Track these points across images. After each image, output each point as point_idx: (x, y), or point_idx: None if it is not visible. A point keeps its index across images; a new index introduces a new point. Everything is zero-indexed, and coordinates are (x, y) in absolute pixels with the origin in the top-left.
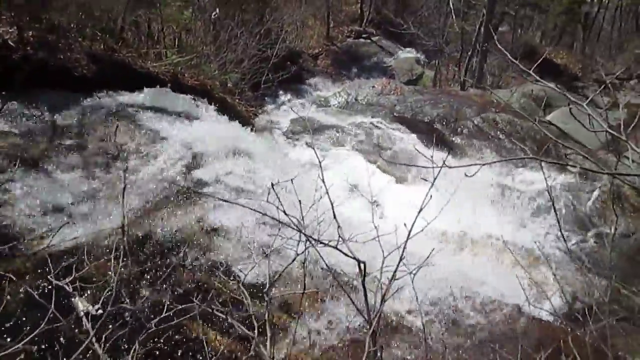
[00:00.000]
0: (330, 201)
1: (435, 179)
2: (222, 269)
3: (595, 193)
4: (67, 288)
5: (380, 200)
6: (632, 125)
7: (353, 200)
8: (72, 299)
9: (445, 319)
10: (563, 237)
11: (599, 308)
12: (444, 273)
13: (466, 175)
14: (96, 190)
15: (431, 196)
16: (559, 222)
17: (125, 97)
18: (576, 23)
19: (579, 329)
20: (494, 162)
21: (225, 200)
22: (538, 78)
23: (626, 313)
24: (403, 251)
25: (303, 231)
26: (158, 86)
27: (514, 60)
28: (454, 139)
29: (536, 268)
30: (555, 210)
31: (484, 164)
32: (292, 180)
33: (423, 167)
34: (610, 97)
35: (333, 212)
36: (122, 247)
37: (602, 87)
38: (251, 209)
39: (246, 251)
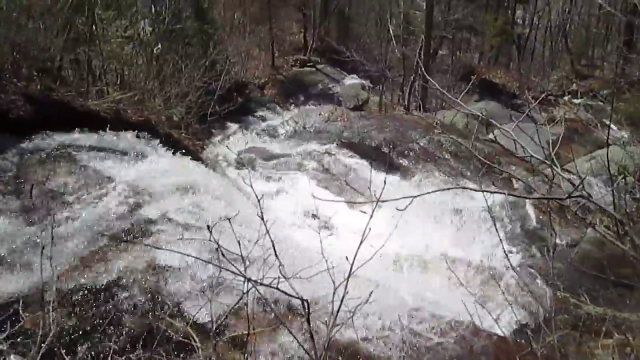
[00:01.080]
0: (271, 239)
1: (372, 214)
2: (169, 310)
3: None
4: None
5: (331, 226)
6: (556, 147)
7: (303, 228)
8: (7, 357)
9: (401, 344)
10: (506, 254)
11: (548, 321)
12: (398, 296)
13: (397, 209)
14: (33, 237)
15: (370, 229)
16: (500, 240)
17: (65, 138)
18: (510, 44)
19: (533, 343)
20: (428, 193)
21: (164, 249)
22: (464, 106)
23: (575, 322)
24: (346, 287)
25: (244, 273)
26: (99, 124)
27: (443, 90)
28: (401, 161)
29: (488, 285)
30: (496, 229)
31: (416, 196)
32: (229, 220)
33: (359, 202)
34: (547, 112)
35: (274, 249)
36: (53, 300)
37: (536, 102)
38: (191, 256)
39: (194, 290)
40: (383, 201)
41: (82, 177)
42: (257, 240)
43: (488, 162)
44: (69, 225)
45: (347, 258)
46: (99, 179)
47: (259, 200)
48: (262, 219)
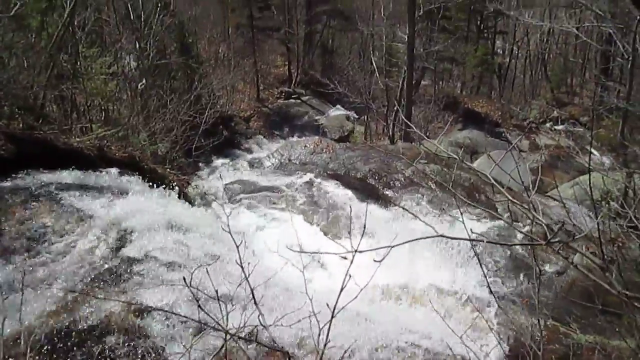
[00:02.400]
0: (250, 287)
1: (350, 264)
2: (151, 356)
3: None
4: None
5: (316, 259)
6: (536, 185)
7: (288, 263)
8: None
9: None
10: (489, 286)
11: (537, 352)
12: (387, 329)
13: (375, 261)
14: (10, 281)
15: (350, 276)
16: (484, 272)
17: (48, 176)
18: (491, 73)
19: None
20: (404, 243)
21: (145, 305)
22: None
23: (565, 351)
24: (328, 333)
25: (224, 323)
26: (83, 162)
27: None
28: (387, 192)
29: (475, 316)
30: (479, 260)
31: (393, 246)
32: (206, 269)
33: (337, 254)
34: (530, 140)
35: (254, 298)
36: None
37: (524, 133)
38: (170, 312)
39: (175, 335)
40: (361, 251)
41: (64, 216)
42: (239, 284)
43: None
44: (49, 267)
45: (327, 305)
46: (80, 218)
47: (237, 246)
48: (241, 265)
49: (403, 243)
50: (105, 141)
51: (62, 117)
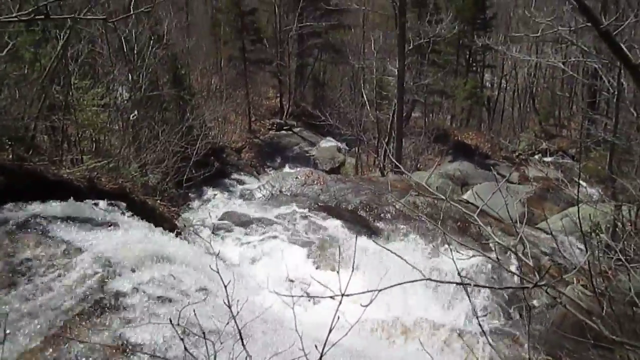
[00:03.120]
0: (238, 327)
1: (338, 307)
2: None
3: (514, 267)
4: None
5: (310, 291)
6: (523, 224)
7: (279, 296)
8: None
9: None
10: (478, 320)
11: None
12: None
13: (362, 306)
14: None
15: (339, 317)
16: (473, 307)
17: (36, 208)
18: (480, 106)
19: None
20: (391, 286)
21: (131, 346)
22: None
23: None
24: None
25: None
26: (73, 193)
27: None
28: (378, 224)
29: (467, 350)
30: (468, 296)
31: (380, 290)
32: (194, 310)
33: (324, 297)
34: (519, 171)
35: (241, 339)
36: None
37: (513, 165)
38: (156, 357)
39: None
40: (348, 295)
41: (52, 248)
42: (227, 323)
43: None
44: (35, 300)
45: (316, 346)
46: (68, 251)
47: (225, 286)
48: (229, 306)
49: (390, 287)
50: (96, 172)
51: (53, 148)
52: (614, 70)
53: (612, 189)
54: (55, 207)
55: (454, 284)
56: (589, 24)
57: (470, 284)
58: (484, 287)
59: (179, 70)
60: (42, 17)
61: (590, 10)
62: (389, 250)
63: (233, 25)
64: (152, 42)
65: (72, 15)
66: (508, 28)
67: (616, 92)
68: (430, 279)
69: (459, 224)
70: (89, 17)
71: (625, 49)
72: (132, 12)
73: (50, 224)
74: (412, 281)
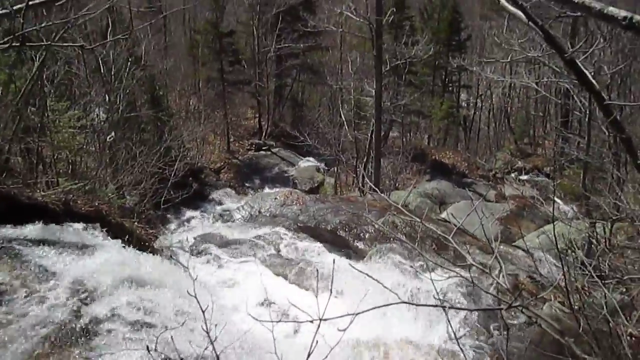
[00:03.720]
0: (216, 354)
1: (317, 331)
2: None
3: (491, 287)
4: None
5: (290, 314)
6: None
7: (258, 319)
8: None
9: None
10: (457, 340)
11: None
12: None
13: (339, 330)
14: None
15: (317, 341)
16: (450, 327)
17: (10, 232)
18: (457, 125)
19: None
20: (367, 310)
21: None
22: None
23: None
24: None
25: None
26: (48, 217)
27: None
28: (357, 244)
29: None
30: (448, 320)
31: (358, 313)
32: (171, 336)
33: (303, 322)
34: (496, 190)
35: None
36: None
37: (490, 184)
38: None
39: None
40: (326, 319)
41: (26, 273)
42: (205, 348)
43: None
44: (8, 328)
45: None
46: (43, 276)
47: (203, 312)
48: (207, 332)
49: (367, 310)
50: (72, 195)
51: (28, 171)
52: (585, 90)
53: (586, 206)
54: (29, 230)
55: (431, 306)
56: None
57: (446, 307)
58: (460, 309)
59: (157, 91)
60: (18, 45)
61: (555, 40)
62: (366, 274)
63: (211, 46)
64: (129, 63)
65: (49, 42)
66: (482, 49)
67: (587, 112)
68: (405, 302)
69: (437, 242)
70: (65, 44)
71: (589, 75)
72: (109, 39)
73: (24, 248)
74: (389, 304)
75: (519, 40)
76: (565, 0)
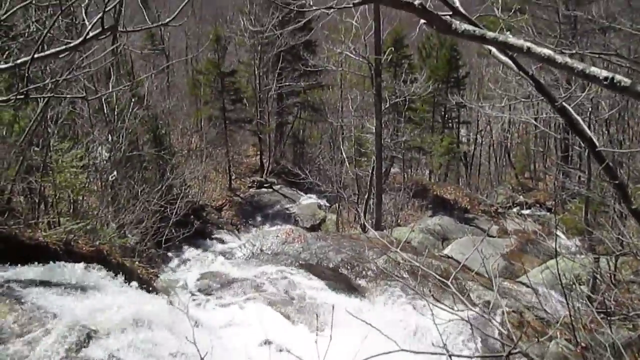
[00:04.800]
0: None
1: None
2: None
3: (497, 322)
4: None
5: (295, 354)
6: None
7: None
8: None
9: None
10: None
11: None
12: None
13: None
14: None
15: None
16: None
17: (10, 273)
18: (458, 161)
19: None
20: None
21: None
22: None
23: None
24: None
25: None
26: (49, 257)
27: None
28: (359, 282)
29: None
30: (447, 351)
31: None
32: None
33: None
34: (499, 225)
35: None
36: None
37: (492, 219)
38: None
39: None
40: None
41: (25, 315)
42: None
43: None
44: None
45: None
46: (42, 317)
47: (202, 359)
48: None
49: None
50: (73, 235)
51: (29, 210)
52: (584, 120)
53: (589, 240)
54: (30, 271)
55: (430, 354)
56: (557, 82)
57: (445, 354)
58: (461, 356)
59: (159, 130)
60: (22, 97)
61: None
62: (362, 320)
63: (213, 86)
64: (132, 103)
65: (51, 91)
66: (481, 85)
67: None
68: (405, 350)
69: (440, 280)
70: (68, 95)
71: (581, 122)
72: (111, 90)
73: (24, 289)
74: (388, 352)
75: (516, 77)
76: (549, 60)
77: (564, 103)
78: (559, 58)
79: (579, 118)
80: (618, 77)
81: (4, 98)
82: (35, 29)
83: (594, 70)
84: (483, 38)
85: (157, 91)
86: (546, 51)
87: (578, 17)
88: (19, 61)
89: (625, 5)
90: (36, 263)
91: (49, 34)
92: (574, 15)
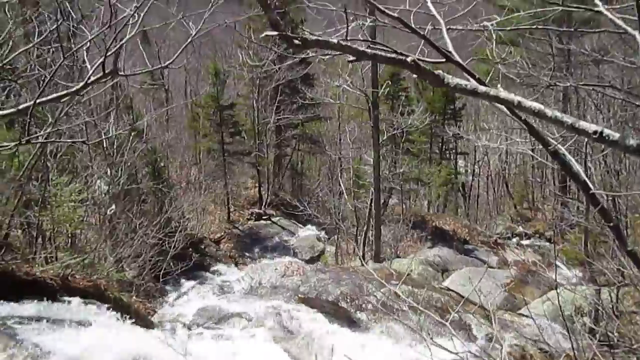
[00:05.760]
0: None
1: None
2: None
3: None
4: None
5: None
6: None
7: None
8: None
9: None
10: None
11: None
12: None
13: None
14: None
15: None
16: None
17: (6, 309)
18: (456, 192)
19: None
20: None
21: None
22: None
23: None
24: None
25: None
26: (46, 292)
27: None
28: (359, 315)
29: None
30: None
31: None
32: None
33: None
34: (498, 256)
35: None
36: None
37: (492, 250)
38: None
39: None
40: None
41: (20, 353)
42: None
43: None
44: None
45: None
46: (38, 354)
47: None
48: None
49: None
50: (70, 269)
51: (27, 245)
52: (580, 155)
53: (590, 271)
54: (26, 307)
55: None
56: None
57: None
58: None
59: (158, 163)
60: (24, 144)
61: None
62: None
63: (212, 119)
64: (131, 136)
65: (52, 139)
66: (478, 116)
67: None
68: None
69: (440, 313)
70: (69, 141)
71: (575, 165)
72: (112, 134)
73: (20, 326)
74: None
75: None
76: (540, 114)
77: (557, 146)
78: (549, 112)
79: (573, 160)
80: (607, 131)
81: (6, 144)
82: (36, 70)
83: (583, 124)
84: (475, 92)
85: (157, 124)
86: (536, 105)
87: (571, 50)
88: (20, 107)
89: (618, 37)
90: (32, 299)
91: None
92: (567, 48)
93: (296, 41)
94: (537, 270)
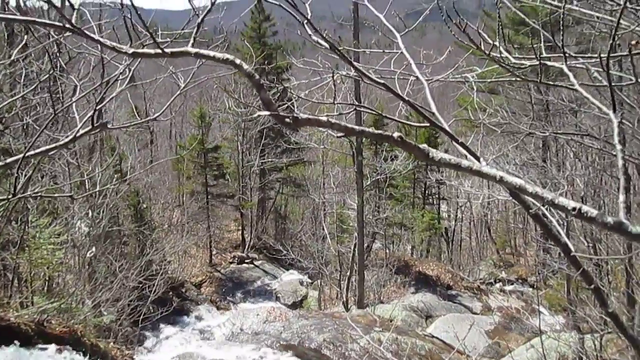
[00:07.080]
0: None
1: None
2: None
3: None
4: None
5: None
6: None
7: None
8: None
9: None
10: None
11: None
12: None
13: None
14: None
15: None
16: None
17: None
18: (439, 237)
19: None
20: None
21: None
22: None
23: None
24: None
25: None
26: (19, 339)
27: None
28: None
29: None
30: None
31: None
32: None
33: None
34: (482, 302)
35: None
36: None
37: (475, 295)
38: None
39: None
40: None
41: None
42: None
43: None
44: None
45: None
46: None
47: None
48: None
49: None
50: (46, 315)
51: (2, 288)
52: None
53: (573, 319)
54: None
55: None
56: (533, 160)
57: None
58: None
59: (140, 204)
60: (13, 198)
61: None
62: None
63: (196, 161)
64: (114, 179)
65: (37, 194)
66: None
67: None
68: None
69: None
70: (55, 195)
71: (556, 227)
72: (97, 189)
73: None
74: None
75: (492, 156)
76: (521, 189)
77: (538, 210)
78: (530, 188)
79: (555, 222)
80: (585, 207)
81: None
82: (22, 117)
83: (563, 200)
84: (458, 166)
85: (140, 165)
86: (517, 180)
87: (549, 100)
88: (8, 160)
89: (593, 89)
90: (6, 345)
91: (38, 129)
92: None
93: (288, 119)
94: (520, 316)
